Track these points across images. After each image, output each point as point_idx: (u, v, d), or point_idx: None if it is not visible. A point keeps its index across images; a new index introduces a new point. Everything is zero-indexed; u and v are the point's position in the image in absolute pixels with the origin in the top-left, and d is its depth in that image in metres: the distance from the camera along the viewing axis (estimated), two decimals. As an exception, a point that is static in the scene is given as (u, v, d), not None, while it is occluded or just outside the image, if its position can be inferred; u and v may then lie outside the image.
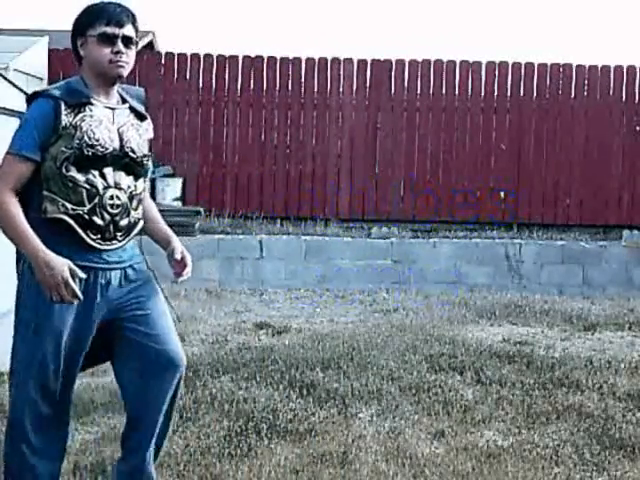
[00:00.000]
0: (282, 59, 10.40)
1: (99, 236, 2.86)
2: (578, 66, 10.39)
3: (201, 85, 10.42)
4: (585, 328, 6.91)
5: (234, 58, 10.40)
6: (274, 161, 10.38)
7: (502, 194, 10.34)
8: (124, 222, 2.92)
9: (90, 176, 2.83)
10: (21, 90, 7.82)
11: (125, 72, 2.93)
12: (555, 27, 42.71)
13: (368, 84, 10.43)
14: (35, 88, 2.93)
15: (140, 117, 3.03)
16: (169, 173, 10.17)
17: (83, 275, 2.77)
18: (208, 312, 7.29)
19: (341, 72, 10.43)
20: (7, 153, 2.81)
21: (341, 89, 10.43)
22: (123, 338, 2.99)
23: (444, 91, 10.40)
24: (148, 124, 3.07)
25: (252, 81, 10.39)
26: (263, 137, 10.35)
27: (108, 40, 2.86)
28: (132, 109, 3.01)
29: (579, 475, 3.64)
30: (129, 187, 2.94)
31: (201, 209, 9.83)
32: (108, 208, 2.86)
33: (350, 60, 10.45)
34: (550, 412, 4.47)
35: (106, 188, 2.86)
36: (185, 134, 10.38)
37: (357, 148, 10.39)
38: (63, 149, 2.79)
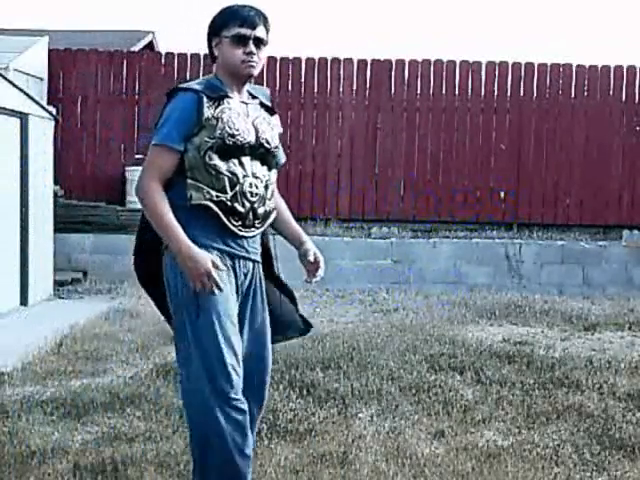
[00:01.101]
0: (282, 59, 10.40)
1: (240, 223, 3.02)
2: (578, 66, 10.39)
3: (201, 85, 10.41)
4: (585, 328, 6.92)
5: (234, 58, 10.39)
6: (274, 161, 10.36)
7: (502, 194, 10.34)
8: (261, 210, 3.08)
9: (231, 165, 2.99)
10: (21, 90, 7.84)
11: (256, 72, 3.08)
12: (555, 27, 42.70)
13: (368, 84, 10.43)
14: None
15: (269, 112, 3.21)
16: (169, 173, 10.15)
17: (224, 267, 2.94)
18: (208, 312, 7.27)
19: (341, 72, 10.43)
20: (152, 145, 2.97)
21: (341, 89, 10.43)
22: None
23: (444, 91, 10.40)
24: (276, 119, 3.25)
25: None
26: (263, 137, 10.34)
27: (241, 41, 3.01)
28: (262, 104, 3.19)
29: (579, 475, 3.64)
30: (264, 176, 3.10)
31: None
32: (248, 196, 3.02)
33: (350, 60, 10.45)
34: (550, 412, 4.47)
35: (245, 177, 3.02)
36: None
37: (357, 148, 10.39)
38: (206, 139, 2.94)
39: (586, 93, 10.39)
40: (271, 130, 3.16)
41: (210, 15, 3.12)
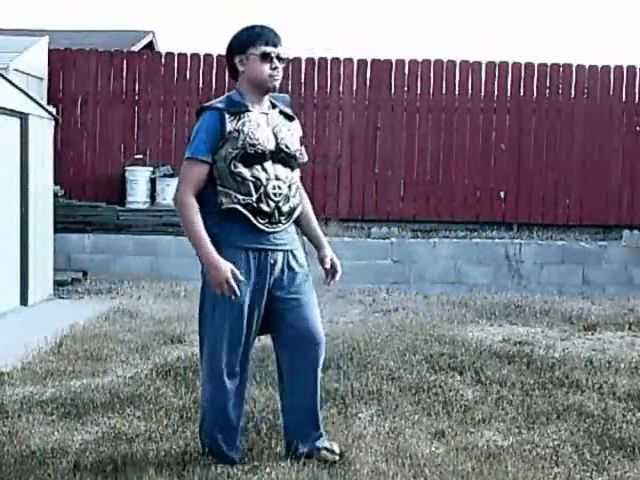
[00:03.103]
0: (282, 59, 10.37)
1: (266, 220, 3.45)
2: (578, 66, 10.38)
3: (201, 85, 10.42)
4: (585, 328, 6.92)
5: (234, 58, 10.39)
6: (274, 161, 10.35)
7: (502, 194, 10.34)
8: (286, 208, 3.51)
9: (254, 170, 3.42)
10: (21, 90, 7.83)
11: (278, 84, 3.55)
12: (555, 27, 42.69)
13: (368, 84, 10.42)
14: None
15: (289, 118, 3.64)
16: (169, 173, 10.16)
17: (242, 278, 3.37)
18: (208, 312, 7.26)
19: (341, 72, 10.42)
20: (185, 160, 3.44)
21: (341, 89, 10.42)
22: (279, 315, 3.58)
23: (444, 91, 10.39)
24: (296, 124, 3.68)
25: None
26: (263, 137, 10.33)
27: (267, 58, 3.48)
28: (281, 112, 3.63)
29: (579, 475, 3.64)
30: (287, 177, 3.52)
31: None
32: (272, 196, 3.45)
33: (350, 60, 10.45)
34: (550, 412, 4.47)
35: (268, 180, 3.45)
36: (185, 134, 10.36)
37: (357, 148, 10.38)
38: (230, 150, 3.39)
39: (586, 93, 10.38)
40: (291, 135, 3.56)
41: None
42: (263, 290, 3.50)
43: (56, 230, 8.72)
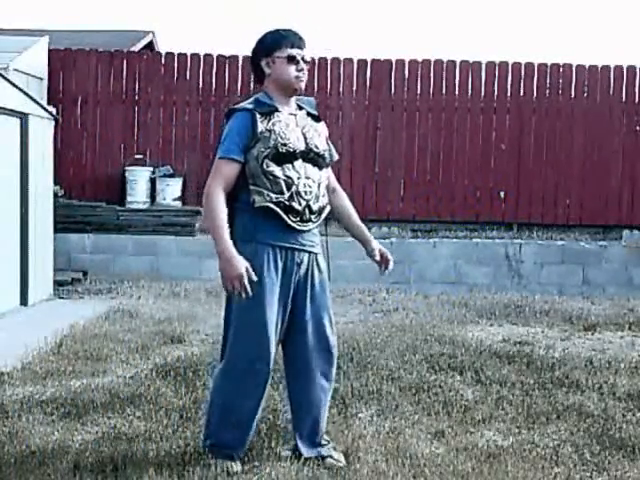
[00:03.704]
0: (282, 59, 10.36)
1: (298, 219, 3.51)
2: (578, 66, 10.39)
3: (201, 85, 10.42)
4: (585, 328, 6.92)
5: (234, 58, 10.40)
6: (274, 161, 10.35)
7: (502, 194, 10.34)
8: (316, 206, 3.58)
9: (286, 169, 3.49)
10: (21, 90, 7.83)
11: (303, 85, 3.61)
12: (555, 27, 42.70)
13: (368, 84, 10.43)
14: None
15: (315, 119, 3.71)
16: (169, 173, 10.17)
17: (255, 278, 3.35)
18: (208, 312, 7.28)
19: (341, 72, 10.43)
20: (217, 159, 3.52)
21: (341, 89, 10.43)
22: (294, 321, 3.59)
23: (444, 91, 10.40)
24: (323, 125, 3.74)
25: (252, 81, 10.38)
26: (263, 137, 10.32)
27: (294, 60, 3.56)
28: (308, 114, 3.69)
29: (579, 475, 3.64)
30: (316, 176, 3.59)
31: (201, 209, 9.82)
32: (303, 195, 3.52)
33: (350, 60, 10.45)
34: (550, 412, 4.47)
35: (299, 178, 3.52)
36: (185, 134, 10.38)
37: (357, 148, 10.39)
38: (262, 149, 3.46)
39: (586, 93, 10.39)
40: (318, 136, 3.64)
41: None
42: (289, 290, 3.54)
43: (56, 230, 8.72)
